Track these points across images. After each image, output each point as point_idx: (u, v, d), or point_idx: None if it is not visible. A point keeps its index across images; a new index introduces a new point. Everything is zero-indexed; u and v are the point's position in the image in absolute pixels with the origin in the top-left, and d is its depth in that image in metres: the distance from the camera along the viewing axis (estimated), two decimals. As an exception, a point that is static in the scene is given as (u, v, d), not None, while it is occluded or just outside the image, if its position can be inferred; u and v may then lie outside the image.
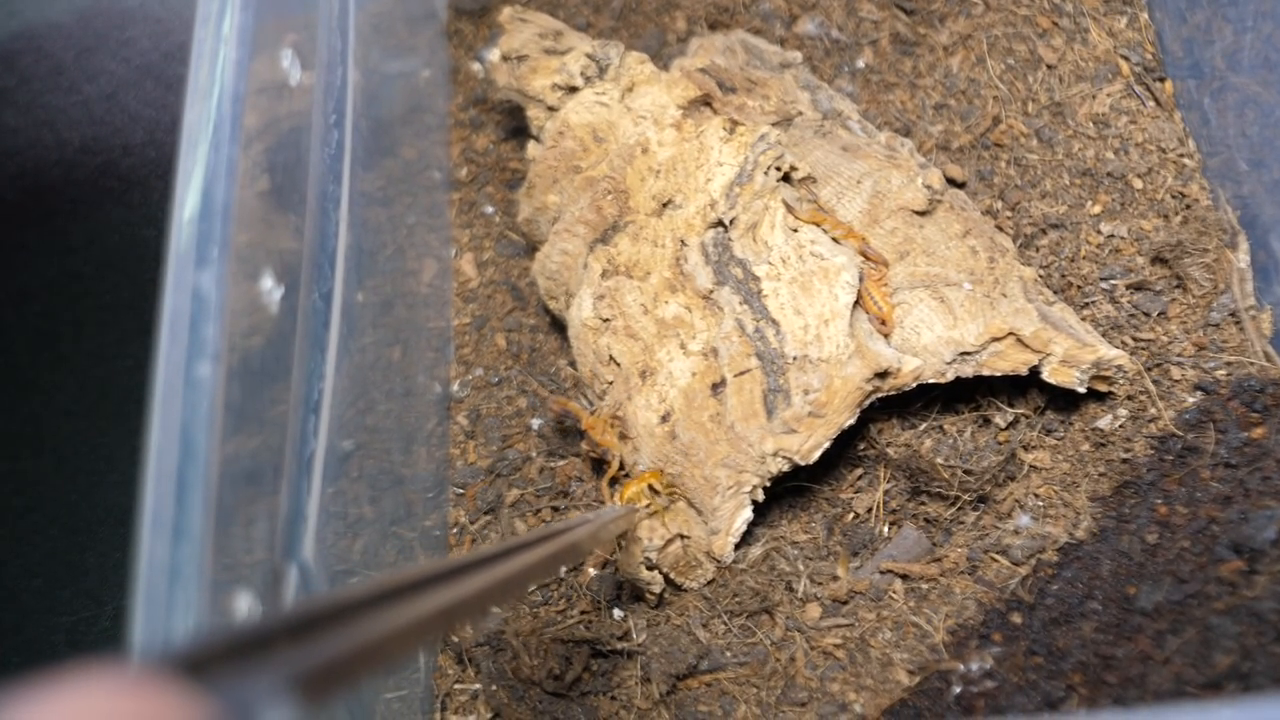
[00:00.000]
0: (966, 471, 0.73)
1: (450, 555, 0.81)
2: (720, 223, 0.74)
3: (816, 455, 0.71)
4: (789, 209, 0.75)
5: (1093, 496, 0.73)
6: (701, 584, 0.75)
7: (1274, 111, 0.76)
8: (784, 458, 0.70)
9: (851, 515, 0.76)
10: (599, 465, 0.78)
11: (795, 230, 0.74)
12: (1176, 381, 0.75)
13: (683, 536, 0.73)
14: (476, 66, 0.97)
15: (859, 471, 0.77)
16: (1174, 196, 0.82)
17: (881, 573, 0.74)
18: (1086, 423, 0.76)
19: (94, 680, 0.27)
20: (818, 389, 0.70)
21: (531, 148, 0.86)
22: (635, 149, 0.79)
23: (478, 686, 0.74)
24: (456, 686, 0.75)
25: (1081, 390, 0.74)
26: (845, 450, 0.77)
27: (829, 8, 0.97)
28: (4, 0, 1.22)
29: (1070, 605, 0.68)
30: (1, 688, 0.27)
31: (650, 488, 0.72)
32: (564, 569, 0.78)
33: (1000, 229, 0.83)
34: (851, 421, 0.71)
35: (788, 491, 0.77)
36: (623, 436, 0.75)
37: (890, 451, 0.76)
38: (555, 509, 0.81)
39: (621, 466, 0.76)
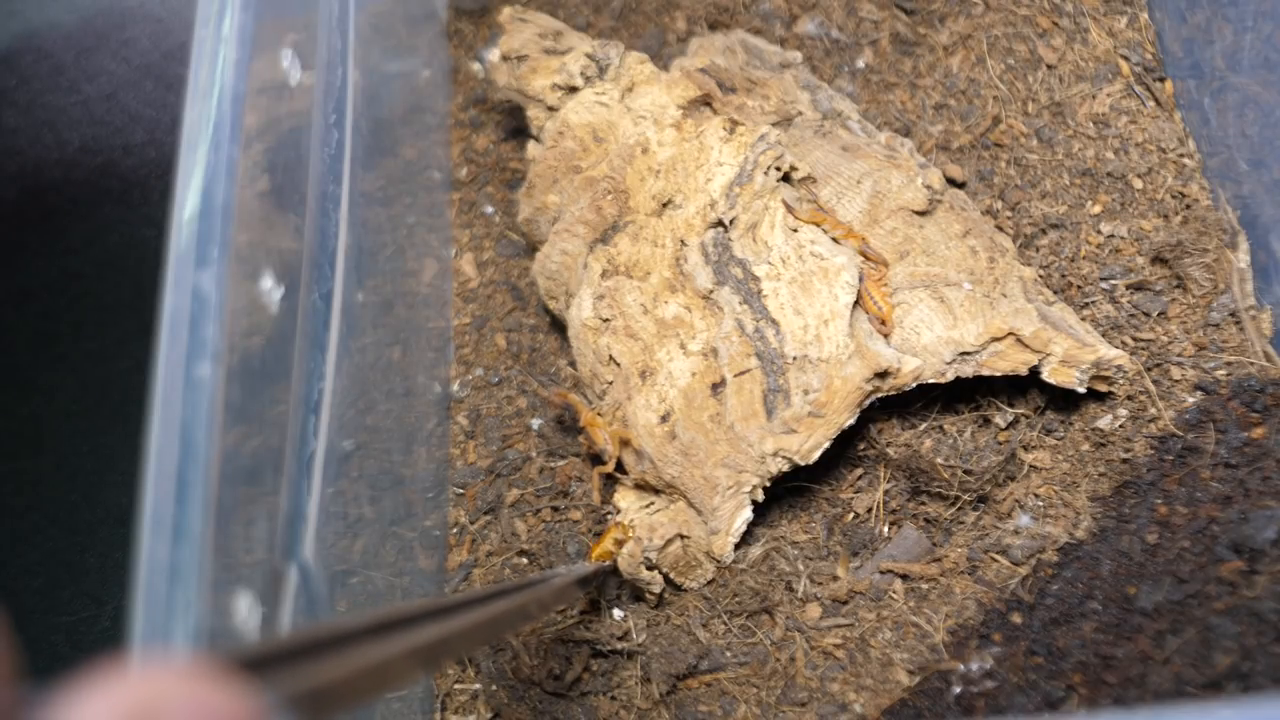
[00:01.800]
0: (966, 471, 0.73)
1: (450, 555, 0.81)
2: (720, 223, 0.74)
3: (816, 455, 0.71)
4: (789, 209, 0.75)
5: (1093, 496, 0.73)
6: (701, 584, 0.75)
7: (1274, 111, 0.76)
8: (784, 458, 0.70)
9: (851, 515, 0.76)
10: (598, 460, 0.78)
11: (795, 230, 0.74)
12: (1176, 381, 0.75)
13: (683, 536, 0.73)
14: (476, 66, 0.97)
15: (859, 471, 0.77)
16: (1174, 196, 0.82)
17: (881, 573, 0.74)
18: (1086, 423, 0.76)
19: (153, 668, 0.28)
20: (817, 389, 0.70)
21: (531, 148, 0.86)
22: (635, 149, 0.79)
23: (478, 686, 0.74)
24: (456, 686, 0.75)
25: (1081, 390, 0.74)
26: (845, 450, 0.77)
27: (829, 8, 0.97)
28: (4, 1, 1.22)
29: (1070, 605, 0.68)
30: (61, 677, 0.27)
31: (616, 539, 0.73)
32: (550, 557, 0.78)
33: (1000, 229, 0.83)
34: (851, 421, 0.71)
35: (788, 491, 0.77)
36: (624, 442, 0.75)
37: (890, 451, 0.76)
38: (555, 509, 0.81)
39: (620, 466, 0.76)
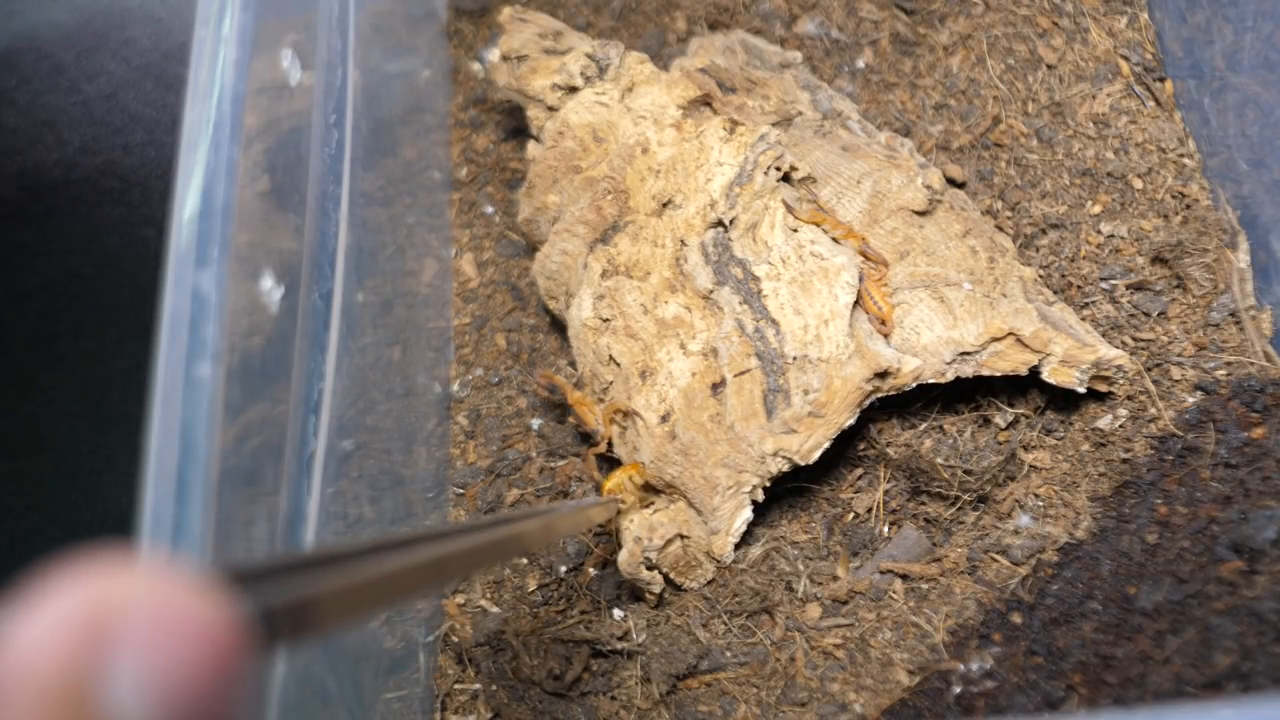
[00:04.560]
0: (966, 471, 0.73)
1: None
2: (720, 223, 0.74)
3: (816, 455, 0.71)
4: (789, 209, 0.75)
5: (1093, 496, 0.73)
6: (701, 584, 0.75)
7: (1274, 111, 0.76)
8: (784, 458, 0.70)
9: (851, 515, 0.76)
10: (587, 438, 0.78)
11: (795, 230, 0.74)
12: (1176, 381, 0.75)
13: (683, 536, 0.73)
14: (476, 66, 0.97)
15: (859, 471, 0.77)
16: (1174, 196, 0.82)
17: (881, 573, 0.74)
18: (1086, 423, 0.76)
19: (116, 570, 0.25)
20: (817, 389, 0.70)
21: (531, 148, 0.86)
22: (635, 149, 0.79)
23: (478, 686, 0.74)
24: (456, 686, 0.75)
25: (1081, 390, 0.74)
26: (845, 450, 0.77)
27: (829, 8, 0.97)
28: (4, 1, 1.22)
29: (1070, 605, 0.68)
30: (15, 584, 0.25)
31: (630, 479, 0.73)
32: (550, 556, 0.78)
33: (1000, 229, 0.83)
34: (851, 421, 0.71)
35: (788, 491, 0.77)
36: (621, 412, 0.75)
37: (890, 451, 0.76)
38: (555, 509, 0.81)
39: (610, 447, 0.76)
